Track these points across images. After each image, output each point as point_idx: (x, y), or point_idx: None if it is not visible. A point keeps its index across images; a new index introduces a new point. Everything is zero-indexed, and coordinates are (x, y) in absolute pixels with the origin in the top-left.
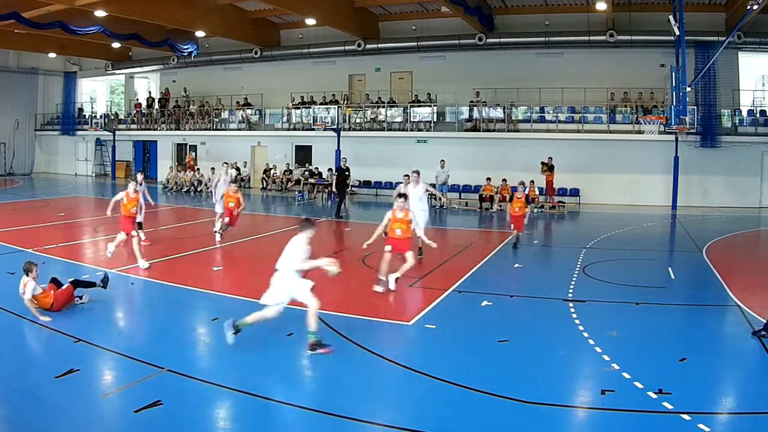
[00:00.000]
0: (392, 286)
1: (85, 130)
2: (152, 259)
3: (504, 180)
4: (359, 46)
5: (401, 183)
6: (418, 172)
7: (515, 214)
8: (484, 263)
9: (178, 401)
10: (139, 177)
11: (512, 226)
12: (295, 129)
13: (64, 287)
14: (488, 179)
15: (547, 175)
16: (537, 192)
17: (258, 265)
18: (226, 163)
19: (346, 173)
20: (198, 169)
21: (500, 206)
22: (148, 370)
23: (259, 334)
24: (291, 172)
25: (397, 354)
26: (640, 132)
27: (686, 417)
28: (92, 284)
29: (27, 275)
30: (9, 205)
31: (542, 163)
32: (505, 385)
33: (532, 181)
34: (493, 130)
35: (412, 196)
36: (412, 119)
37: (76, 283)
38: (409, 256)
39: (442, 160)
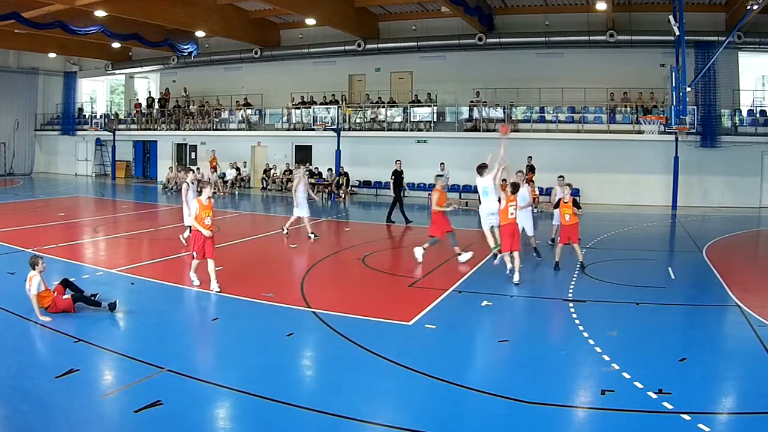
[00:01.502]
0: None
1: (85, 130)
2: (153, 259)
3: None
4: (359, 46)
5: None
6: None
7: (567, 223)
8: (484, 263)
9: (178, 401)
10: (191, 176)
11: (560, 240)
12: (295, 129)
13: (64, 297)
14: None
15: (527, 176)
16: (537, 192)
17: (258, 264)
18: (302, 165)
19: (402, 175)
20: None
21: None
22: (148, 370)
23: (260, 334)
24: (291, 172)
25: (397, 354)
26: (640, 132)
27: (686, 417)
28: (97, 304)
29: (33, 269)
30: (9, 205)
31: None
32: (505, 385)
33: (533, 181)
34: (493, 130)
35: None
36: (412, 119)
37: (78, 299)
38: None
39: (442, 163)
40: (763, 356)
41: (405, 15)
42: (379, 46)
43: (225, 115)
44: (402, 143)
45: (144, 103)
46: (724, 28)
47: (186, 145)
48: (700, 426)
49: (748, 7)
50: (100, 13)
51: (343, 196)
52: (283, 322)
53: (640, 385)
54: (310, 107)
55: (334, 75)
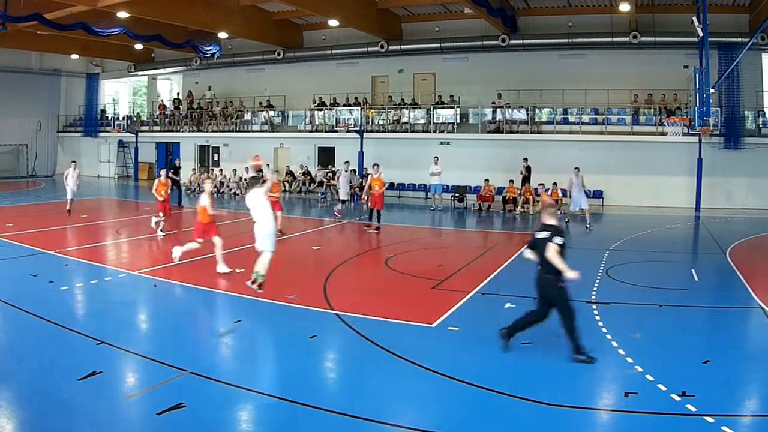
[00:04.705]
0: None
1: (108, 131)
2: (176, 262)
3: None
4: (382, 47)
5: None
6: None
7: None
8: (507, 265)
9: (201, 404)
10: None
11: None
12: (317, 130)
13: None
14: (511, 181)
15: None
16: (560, 194)
17: (281, 266)
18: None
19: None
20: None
21: (524, 208)
22: (171, 373)
23: (283, 337)
24: (309, 173)
25: (420, 356)
26: (663, 133)
27: (710, 419)
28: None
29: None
30: (31, 207)
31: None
32: (528, 387)
33: (555, 183)
34: (517, 132)
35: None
36: (435, 121)
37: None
38: None
39: (436, 156)
40: None
41: (428, 16)
42: (402, 47)
43: (248, 116)
44: (425, 145)
45: (170, 105)
46: (748, 29)
47: (209, 146)
48: (724, 428)
49: None
50: (122, 15)
51: (366, 198)
52: (306, 325)
53: (663, 388)
54: (332, 109)
55: (357, 76)
